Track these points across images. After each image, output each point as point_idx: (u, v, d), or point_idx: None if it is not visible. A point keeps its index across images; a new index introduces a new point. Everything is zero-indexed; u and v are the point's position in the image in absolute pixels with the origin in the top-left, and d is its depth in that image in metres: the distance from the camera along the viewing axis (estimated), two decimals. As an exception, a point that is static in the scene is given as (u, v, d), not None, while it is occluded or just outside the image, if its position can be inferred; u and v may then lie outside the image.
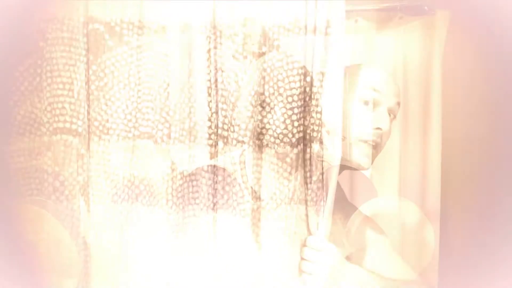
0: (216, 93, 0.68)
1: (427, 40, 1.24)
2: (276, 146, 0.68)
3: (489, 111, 1.29)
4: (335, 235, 0.77)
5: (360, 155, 0.77)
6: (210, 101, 0.67)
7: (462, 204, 1.28)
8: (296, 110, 0.66)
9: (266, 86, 0.68)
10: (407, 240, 1.26)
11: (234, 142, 0.64)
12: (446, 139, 1.25)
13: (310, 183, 0.69)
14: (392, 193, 1.24)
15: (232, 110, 0.64)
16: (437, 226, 1.23)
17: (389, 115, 0.79)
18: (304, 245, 0.71)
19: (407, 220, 1.26)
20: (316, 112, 0.68)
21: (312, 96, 0.68)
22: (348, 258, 0.86)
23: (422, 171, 1.25)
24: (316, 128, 0.68)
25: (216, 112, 0.68)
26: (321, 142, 0.68)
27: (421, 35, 1.23)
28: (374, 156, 0.79)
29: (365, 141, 0.77)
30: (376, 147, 0.78)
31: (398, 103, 0.80)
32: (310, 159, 0.68)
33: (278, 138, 0.67)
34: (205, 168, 0.68)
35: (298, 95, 0.66)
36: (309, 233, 0.72)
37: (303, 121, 0.69)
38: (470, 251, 1.31)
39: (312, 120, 0.68)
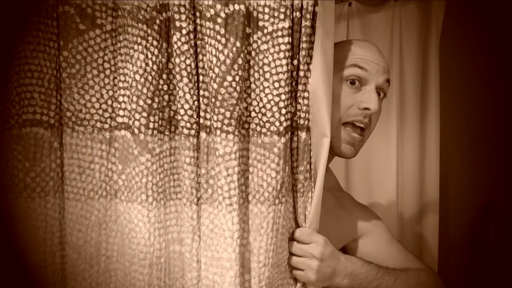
0: (197, 79, 0.65)
1: (424, 24, 1.23)
2: (262, 135, 0.65)
3: (489, 99, 1.29)
4: (327, 226, 0.75)
5: (346, 139, 0.74)
6: (191, 88, 0.64)
7: (461, 196, 1.28)
8: (283, 97, 0.63)
9: (252, 71, 0.65)
10: (405, 232, 1.25)
11: (218, 132, 0.62)
12: (444, 128, 1.24)
13: (297, 173, 0.66)
14: (390, 184, 1.23)
15: (215, 97, 0.62)
16: (436, 218, 1.23)
17: (378, 93, 0.76)
18: (292, 239, 0.69)
19: (406, 211, 1.25)
20: (303, 98, 0.66)
21: (299, 81, 0.66)
22: (343, 248, 0.84)
23: (420, 162, 1.24)
24: (303, 115, 0.66)
25: (198, 100, 0.65)
26: (308, 130, 0.66)
27: (418, 18, 1.21)
28: (363, 140, 0.77)
29: (352, 124, 0.74)
30: (365, 130, 0.76)
31: (388, 80, 0.77)
32: (297, 148, 0.66)
33: (265, 127, 0.65)
34: (187, 161, 0.65)
35: (285, 80, 0.63)
36: (297, 226, 0.70)
37: (290, 108, 0.66)
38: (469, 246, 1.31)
39: (299, 107, 0.66)
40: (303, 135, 0.66)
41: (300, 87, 0.66)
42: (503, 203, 1.24)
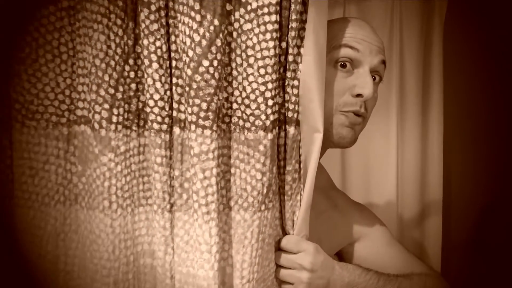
0: (170, 64, 0.56)
1: (426, 11, 1.15)
2: (246, 131, 0.57)
3: (496, 91, 1.22)
4: (319, 231, 0.67)
5: (339, 129, 0.66)
6: (162, 75, 0.55)
7: (466, 196, 1.21)
8: (270, 85, 0.55)
9: (233, 55, 0.56)
10: (406, 234, 1.18)
11: (193, 127, 0.53)
12: (447, 125, 1.17)
13: (284, 174, 0.58)
14: (389, 183, 1.16)
15: (189, 85, 0.53)
16: (438, 220, 1.16)
17: (373, 77, 0.68)
18: (278, 248, 0.61)
19: (406, 213, 1.18)
20: (293, 87, 0.57)
21: (288, 67, 0.57)
22: (339, 254, 0.77)
23: (421, 160, 1.17)
24: (292, 106, 0.58)
25: (170, 89, 0.57)
26: (297, 124, 0.58)
27: (419, 4, 1.14)
28: (358, 129, 0.69)
29: (345, 112, 0.66)
30: (359, 118, 0.67)
31: (383, 62, 0.68)
32: (284, 145, 0.58)
33: (249, 121, 0.56)
34: (158, 161, 0.56)
35: (272, 66, 0.55)
36: (284, 234, 0.62)
37: (278, 98, 0.58)
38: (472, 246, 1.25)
39: (287, 97, 0.57)
40: (291, 130, 0.58)
41: (288, 74, 0.58)
42: (507, 202, 1.18)
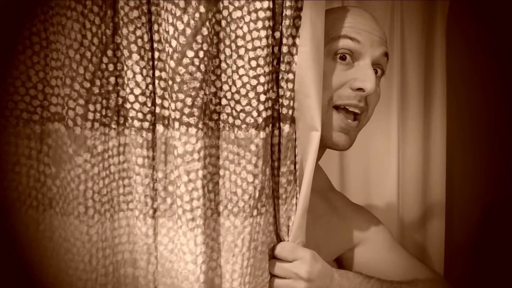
0: (152, 55, 0.52)
1: (428, 4, 1.11)
2: (236, 129, 0.52)
3: (497, 93, 1.19)
4: (316, 236, 0.63)
5: (339, 125, 0.62)
6: (144, 67, 0.51)
7: (470, 197, 1.18)
8: (262, 79, 0.51)
9: (221, 46, 0.52)
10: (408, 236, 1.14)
11: (176, 124, 0.48)
12: (450, 123, 1.14)
13: (279, 176, 0.54)
14: (390, 184, 1.12)
15: (172, 79, 0.48)
16: (441, 222, 1.12)
17: (375, 70, 0.63)
18: (273, 256, 0.57)
19: (408, 215, 1.14)
20: (287, 81, 0.53)
21: (282, 59, 0.53)
22: (338, 259, 0.73)
23: (424, 159, 1.13)
24: (286, 102, 0.53)
25: (153, 83, 0.52)
26: (293, 122, 0.54)
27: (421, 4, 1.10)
28: (358, 126, 0.64)
29: (345, 109, 0.61)
30: (360, 115, 0.63)
31: (386, 54, 0.64)
32: (278, 144, 0.54)
33: (239, 118, 0.52)
34: (140, 162, 0.52)
35: (264, 58, 0.50)
36: (279, 241, 0.58)
37: (271, 93, 0.53)
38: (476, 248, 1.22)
39: (282, 92, 0.53)
40: (286, 128, 0.54)
41: (283, 66, 0.53)
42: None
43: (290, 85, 0.54)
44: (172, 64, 0.49)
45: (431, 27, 1.13)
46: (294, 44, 0.53)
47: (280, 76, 0.54)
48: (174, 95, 0.49)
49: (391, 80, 1.11)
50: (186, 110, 0.49)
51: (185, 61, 0.48)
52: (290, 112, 0.55)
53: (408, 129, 1.14)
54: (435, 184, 1.13)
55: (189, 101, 0.49)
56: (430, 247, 1.13)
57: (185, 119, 0.49)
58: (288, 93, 0.54)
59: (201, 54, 0.49)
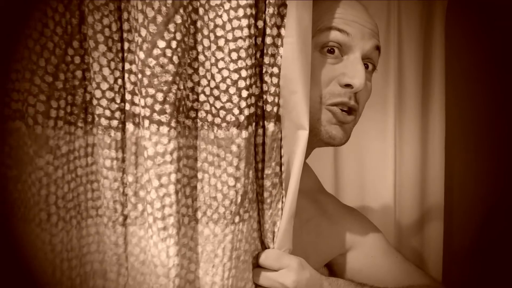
0: (122, 46, 0.47)
1: (426, 3, 1.07)
2: (216, 128, 0.48)
3: (499, 92, 1.15)
4: (304, 242, 0.59)
5: (328, 127, 0.58)
6: (112, 60, 0.46)
7: (469, 200, 1.14)
8: (244, 73, 0.46)
9: (199, 36, 0.48)
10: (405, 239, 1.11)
11: (146, 122, 0.44)
12: (449, 122, 1.10)
13: (263, 178, 0.50)
14: (387, 186, 1.08)
15: (142, 72, 0.44)
16: (440, 226, 1.09)
17: (365, 65, 0.59)
18: (257, 265, 0.53)
19: (405, 218, 1.10)
20: (272, 75, 0.49)
21: (266, 51, 0.48)
22: (329, 265, 0.69)
23: (421, 161, 1.09)
24: (271, 99, 0.49)
25: (122, 77, 0.47)
26: (278, 120, 0.49)
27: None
28: (349, 127, 0.60)
29: (331, 106, 0.57)
30: (350, 112, 0.59)
31: (377, 47, 0.60)
32: (263, 144, 0.49)
33: (219, 116, 0.48)
34: (108, 164, 0.47)
35: (246, 50, 0.46)
36: (264, 248, 0.54)
37: (254, 89, 0.49)
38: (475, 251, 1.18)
39: (266, 87, 0.49)
40: (271, 126, 0.50)
41: (267, 59, 0.49)
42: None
43: (275, 80, 0.50)
44: (142, 55, 0.44)
45: (429, 21, 1.09)
46: (279, 35, 0.49)
47: (264, 70, 0.49)
48: (143, 90, 0.44)
49: (387, 77, 1.07)
50: (157, 107, 0.44)
51: (156, 52, 0.44)
52: (275, 109, 0.51)
53: (406, 128, 1.10)
54: (434, 186, 1.09)
55: (160, 96, 0.44)
56: (428, 252, 1.10)
57: (155, 116, 0.44)
58: (272, 89, 0.50)
59: (173, 44, 0.44)
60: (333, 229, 0.69)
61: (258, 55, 0.49)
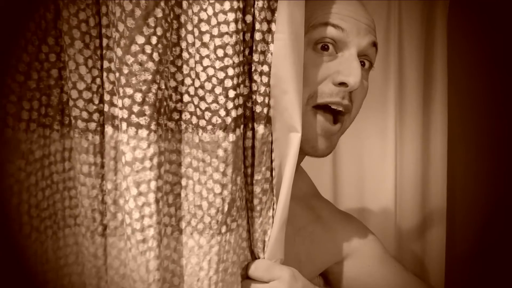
0: (100, 43, 0.44)
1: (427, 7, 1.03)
2: (201, 130, 0.44)
3: (501, 91, 1.11)
4: (298, 251, 0.56)
5: (318, 130, 0.55)
6: (89, 57, 0.43)
7: (473, 204, 1.10)
8: (231, 71, 0.43)
9: (182, 31, 0.44)
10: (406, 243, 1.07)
11: (124, 125, 0.40)
12: (452, 122, 1.06)
13: (252, 184, 0.46)
14: (387, 189, 1.04)
15: (119, 70, 0.40)
16: (442, 231, 1.05)
17: (362, 63, 0.56)
18: (246, 276, 0.50)
19: (405, 223, 1.07)
20: (261, 74, 0.45)
21: (255, 48, 0.45)
22: (324, 274, 0.66)
23: (423, 162, 1.06)
24: (260, 99, 0.45)
25: (100, 76, 0.44)
26: (268, 122, 0.46)
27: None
28: (340, 131, 0.57)
29: (325, 107, 0.54)
30: (343, 116, 0.55)
31: (374, 44, 0.56)
32: (252, 148, 0.46)
33: (204, 118, 0.44)
34: (85, 170, 0.44)
35: (233, 46, 0.42)
36: (254, 258, 0.50)
37: (242, 89, 0.45)
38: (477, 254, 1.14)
39: (255, 87, 0.45)
40: (260, 129, 0.46)
41: (256, 57, 0.45)
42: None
43: (265, 79, 0.46)
44: (119, 52, 0.41)
45: (431, 20, 1.06)
46: (269, 31, 0.45)
47: (253, 68, 0.46)
48: (121, 90, 0.41)
49: (387, 76, 1.03)
50: (135, 108, 0.40)
51: (134, 48, 0.40)
52: (265, 110, 0.47)
53: (407, 129, 1.07)
54: (436, 188, 1.05)
55: (138, 97, 0.40)
56: (429, 257, 1.06)
57: (134, 119, 0.41)
58: (262, 88, 0.46)
59: (153, 40, 0.41)
60: (329, 236, 0.66)
61: (246, 52, 0.45)
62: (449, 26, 1.07)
